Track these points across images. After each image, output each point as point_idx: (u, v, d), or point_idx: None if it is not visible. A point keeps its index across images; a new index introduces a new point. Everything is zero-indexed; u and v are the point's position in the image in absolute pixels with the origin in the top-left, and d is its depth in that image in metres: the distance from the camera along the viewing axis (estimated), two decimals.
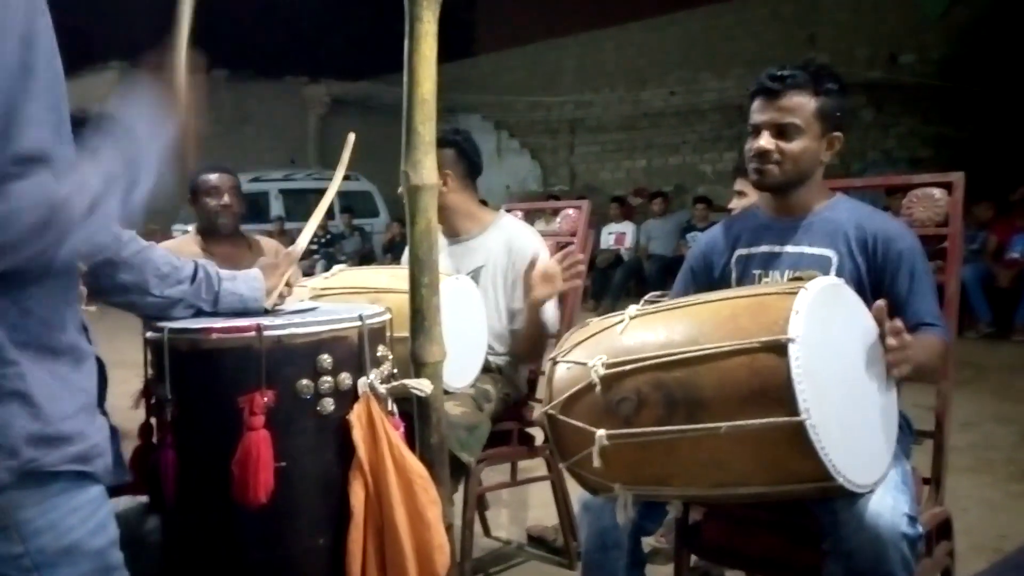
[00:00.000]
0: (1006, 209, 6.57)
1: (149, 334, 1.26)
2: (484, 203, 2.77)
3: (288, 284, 1.43)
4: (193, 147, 1.04)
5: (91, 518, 0.94)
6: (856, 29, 9.60)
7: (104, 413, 1.03)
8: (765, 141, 1.59)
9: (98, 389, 0.99)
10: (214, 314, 1.34)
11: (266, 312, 1.36)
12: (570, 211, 2.64)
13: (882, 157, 9.33)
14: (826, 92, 1.60)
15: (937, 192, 1.84)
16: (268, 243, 2.90)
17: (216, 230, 2.72)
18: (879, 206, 2.36)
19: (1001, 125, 7.58)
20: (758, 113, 1.61)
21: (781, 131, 1.59)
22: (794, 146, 1.59)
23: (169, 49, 1.04)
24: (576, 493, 1.54)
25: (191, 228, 2.93)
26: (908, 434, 1.63)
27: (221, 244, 2.70)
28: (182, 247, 2.73)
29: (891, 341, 1.30)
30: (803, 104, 1.59)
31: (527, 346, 2.24)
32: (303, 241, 1.55)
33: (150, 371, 1.28)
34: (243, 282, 1.38)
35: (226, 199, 2.72)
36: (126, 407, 1.41)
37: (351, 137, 1.57)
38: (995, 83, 7.48)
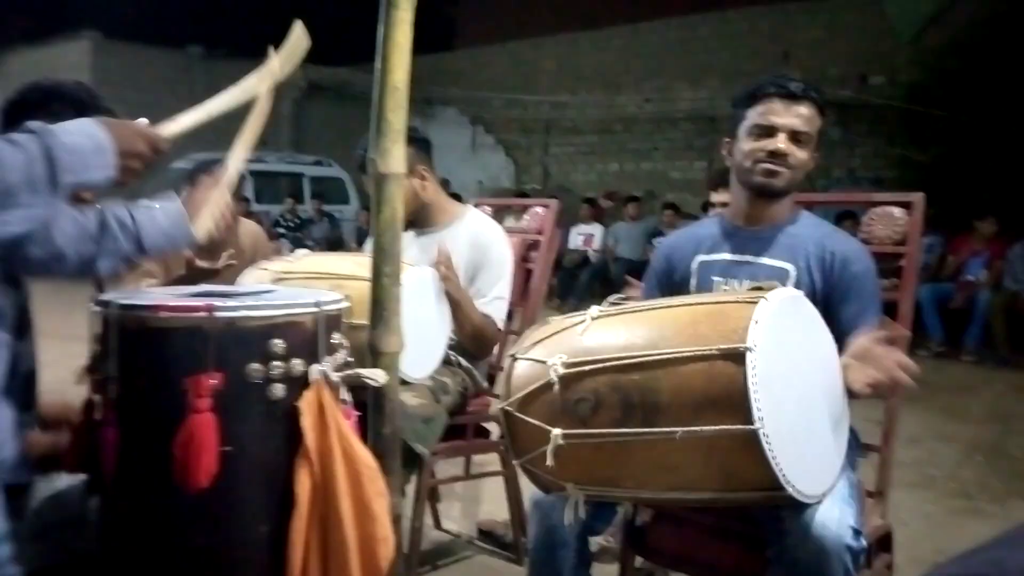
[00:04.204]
0: (964, 231, 6.74)
1: (95, 309, 1.22)
2: (458, 197, 2.76)
3: (222, 211, 1.35)
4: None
5: None
6: (829, 48, 9.78)
7: (22, 402, 0.98)
8: (784, 144, 1.59)
9: (10, 379, 0.94)
10: (144, 255, 1.27)
11: (200, 248, 1.30)
12: (538, 210, 2.64)
13: (846, 176, 9.53)
14: (824, 113, 1.63)
15: (897, 211, 1.88)
16: (246, 224, 2.84)
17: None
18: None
19: (964, 150, 7.78)
20: (775, 115, 1.60)
21: (796, 137, 1.60)
22: (804, 155, 1.61)
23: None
24: (529, 490, 1.53)
25: None
26: (856, 447, 1.65)
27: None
28: None
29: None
30: (814, 117, 1.62)
31: (469, 342, 2.21)
32: (233, 163, 1.44)
33: (96, 346, 1.24)
34: (163, 216, 1.30)
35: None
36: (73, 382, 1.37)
37: (298, 26, 1.48)
38: (960, 108, 7.67)
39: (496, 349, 2.43)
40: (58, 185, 1.07)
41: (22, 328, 1.26)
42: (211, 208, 1.33)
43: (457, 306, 2.11)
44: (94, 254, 1.24)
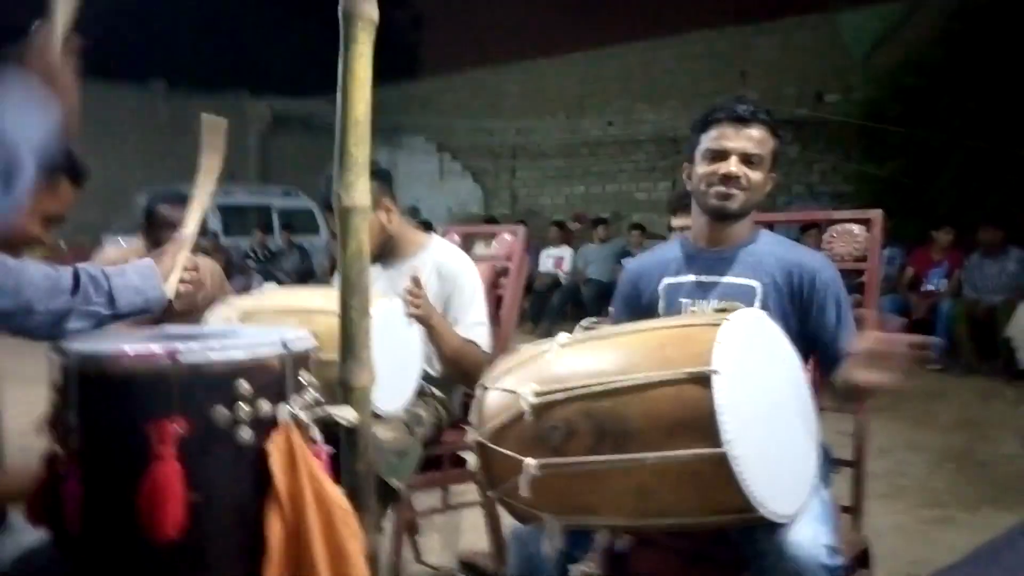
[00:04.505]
0: (923, 242, 6.89)
1: (54, 356, 1.19)
2: (429, 225, 2.76)
3: (190, 271, 1.36)
4: (72, 124, 0.97)
5: None
6: (785, 68, 10.04)
7: None
8: (735, 167, 1.62)
9: None
10: (119, 317, 1.25)
11: (170, 304, 1.29)
12: (507, 235, 2.65)
13: (806, 191, 9.73)
14: (777, 134, 1.67)
15: (856, 228, 1.92)
16: (204, 263, 2.82)
17: None
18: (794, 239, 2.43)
19: (920, 163, 7.99)
20: (726, 140, 1.63)
21: (748, 160, 1.63)
22: (757, 176, 1.64)
23: (42, 31, 0.98)
24: (510, 519, 1.52)
25: (125, 240, 2.84)
26: (827, 463, 1.67)
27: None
28: (129, 259, 2.63)
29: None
30: (766, 139, 1.65)
31: (452, 370, 2.20)
32: (192, 223, 1.46)
33: (55, 396, 1.20)
34: (134, 274, 1.29)
35: None
36: (32, 431, 1.33)
37: (209, 121, 1.50)
38: (915, 123, 7.89)
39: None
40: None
41: None
42: (176, 264, 1.33)
43: (433, 331, 2.09)
44: (65, 310, 1.21)
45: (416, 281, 2.03)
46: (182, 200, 2.77)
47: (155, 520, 1.07)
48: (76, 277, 1.23)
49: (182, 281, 1.34)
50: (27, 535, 1.31)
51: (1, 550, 1.29)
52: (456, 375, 2.20)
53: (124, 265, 1.32)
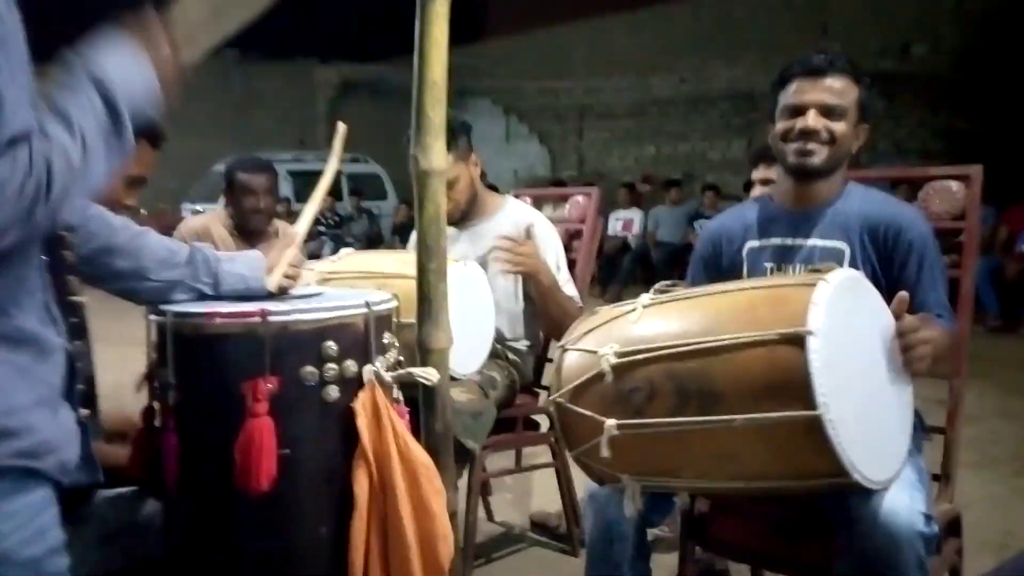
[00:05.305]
0: (1017, 201, 6.51)
1: (152, 317, 1.24)
2: (495, 188, 2.75)
3: (293, 267, 1.41)
4: (175, 88, 0.98)
5: (28, 524, 0.87)
6: (869, 19, 9.50)
7: (83, 407, 0.99)
8: (813, 120, 1.55)
9: (69, 382, 0.95)
10: (218, 298, 1.32)
11: (270, 295, 1.34)
12: (579, 198, 2.61)
13: (892, 149, 9.26)
14: (863, 82, 1.58)
15: (954, 185, 1.81)
16: (288, 228, 2.90)
17: (248, 228, 2.75)
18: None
19: (1013, 118, 7.51)
20: (802, 93, 1.56)
21: (828, 112, 1.55)
22: (841, 128, 1.56)
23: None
24: (580, 480, 1.52)
25: (207, 208, 2.95)
26: (920, 430, 1.60)
27: (250, 235, 2.74)
28: (210, 226, 2.74)
29: (901, 341, 1.28)
30: (847, 88, 1.57)
31: (553, 325, 2.18)
32: (303, 224, 1.53)
33: (153, 354, 1.26)
34: (242, 263, 1.37)
35: (261, 203, 2.74)
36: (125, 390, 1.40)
37: (342, 127, 1.56)
38: (1009, 75, 7.40)
39: (541, 339, 2.42)
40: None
41: (79, 334, 1.28)
42: (283, 260, 1.39)
43: (540, 285, 2.08)
44: (175, 282, 1.30)
45: (528, 233, 2.02)
46: (260, 167, 2.85)
47: (248, 473, 1.11)
48: (192, 255, 1.32)
49: (285, 276, 1.39)
50: (126, 486, 1.38)
51: (102, 498, 1.36)
52: (557, 330, 2.18)
53: (236, 253, 1.41)
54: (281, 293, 1.38)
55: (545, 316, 2.17)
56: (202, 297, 1.32)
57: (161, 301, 1.27)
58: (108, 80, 0.89)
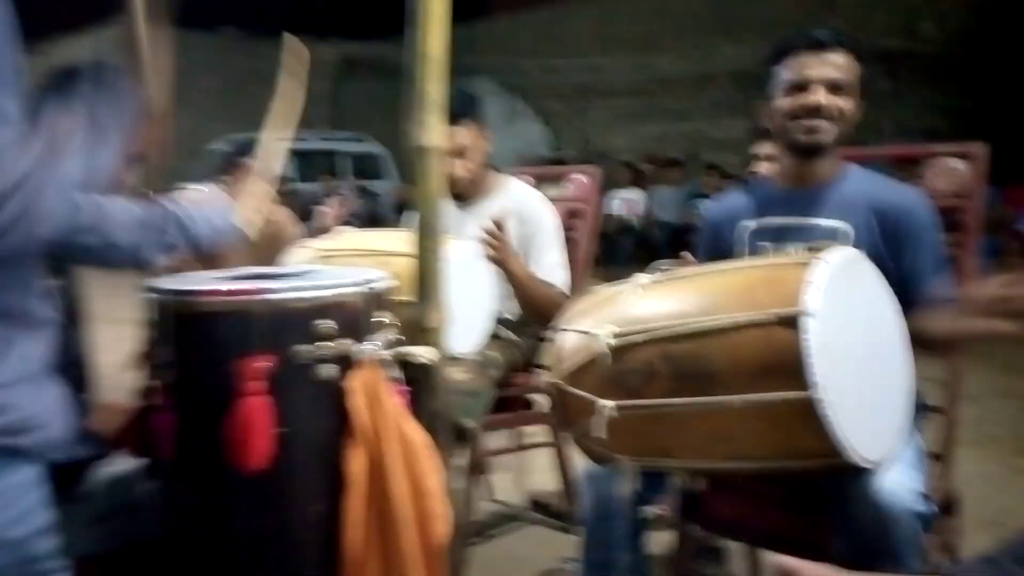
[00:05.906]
0: (1018, 181, 6.48)
1: (148, 295, 1.23)
2: (495, 167, 2.73)
3: (260, 200, 1.37)
4: (164, 121, 0.97)
5: (12, 505, 0.86)
6: None
7: (74, 385, 0.99)
8: (822, 96, 1.52)
9: (63, 359, 0.94)
10: (193, 247, 1.28)
11: (264, 274, 1.33)
12: (581, 177, 2.59)
13: (896, 128, 9.18)
14: (861, 59, 1.55)
15: (958, 163, 1.80)
16: (278, 211, 2.85)
17: None
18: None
19: (1019, 97, 7.45)
20: (807, 68, 1.53)
21: (835, 88, 1.52)
22: (846, 104, 1.54)
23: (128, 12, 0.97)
24: (579, 459, 1.52)
25: (202, 187, 2.90)
26: (920, 410, 1.60)
27: None
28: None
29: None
30: (850, 64, 1.54)
31: (530, 312, 2.19)
32: (263, 155, 1.45)
33: (150, 332, 1.25)
34: (208, 207, 1.31)
35: None
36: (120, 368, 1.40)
37: (300, 48, 1.47)
38: (1015, 54, 7.33)
39: None
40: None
41: (71, 311, 1.28)
42: (254, 200, 1.34)
43: (510, 275, 2.06)
44: (145, 243, 1.24)
45: (499, 224, 2.00)
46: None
47: (243, 451, 1.11)
48: (154, 213, 1.26)
49: (252, 210, 1.34)
50: (121, 464, 1.38)
51: (97, 478, 1.36)
52: (534, 317, 2.18)
53: (200, 198, 1.36)
54: (251, 228, 1.33)
55: (522, 304, 2.15)
56: (177, 253, 1.27)
57: (139, 264, 1.24)
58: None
